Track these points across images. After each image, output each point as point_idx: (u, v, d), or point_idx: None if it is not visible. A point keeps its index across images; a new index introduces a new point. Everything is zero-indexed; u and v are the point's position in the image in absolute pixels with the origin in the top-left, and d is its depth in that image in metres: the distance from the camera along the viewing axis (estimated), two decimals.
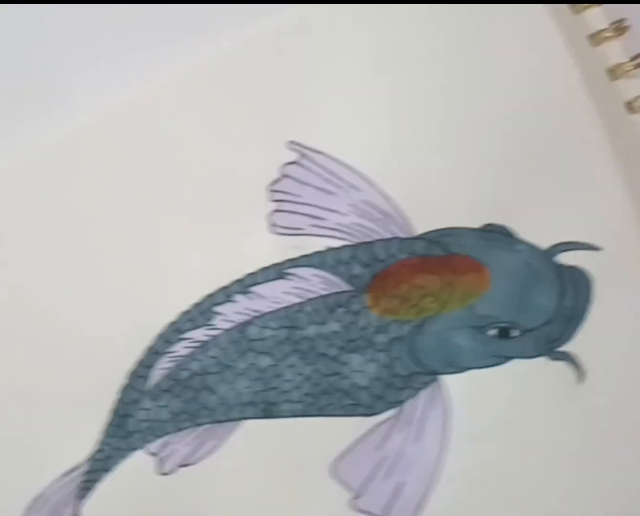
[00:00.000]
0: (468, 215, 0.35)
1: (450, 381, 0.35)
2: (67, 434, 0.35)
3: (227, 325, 0.35)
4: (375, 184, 0.35)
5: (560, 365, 0.35)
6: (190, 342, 0.35)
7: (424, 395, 0.35)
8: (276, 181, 0.35)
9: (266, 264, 0.35)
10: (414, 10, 0.35)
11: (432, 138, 0.35)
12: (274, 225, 0.35)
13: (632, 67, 0.34)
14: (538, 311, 0.35)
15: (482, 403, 0.35)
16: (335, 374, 0.35)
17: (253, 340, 0.35)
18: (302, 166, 0.35)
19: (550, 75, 0.35)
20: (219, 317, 0.35)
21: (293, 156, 0.35)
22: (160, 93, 0.36)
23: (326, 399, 0.35)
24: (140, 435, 0.35)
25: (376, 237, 0.35)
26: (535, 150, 0.35)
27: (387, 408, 0.35)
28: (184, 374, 0.35)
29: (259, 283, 0.35)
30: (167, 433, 0.35)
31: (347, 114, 0.35)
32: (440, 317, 0.35)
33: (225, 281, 0.35)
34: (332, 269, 0.35)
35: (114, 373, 0.35)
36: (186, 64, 0.35)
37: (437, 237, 0.35)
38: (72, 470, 0.35)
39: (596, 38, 0.35)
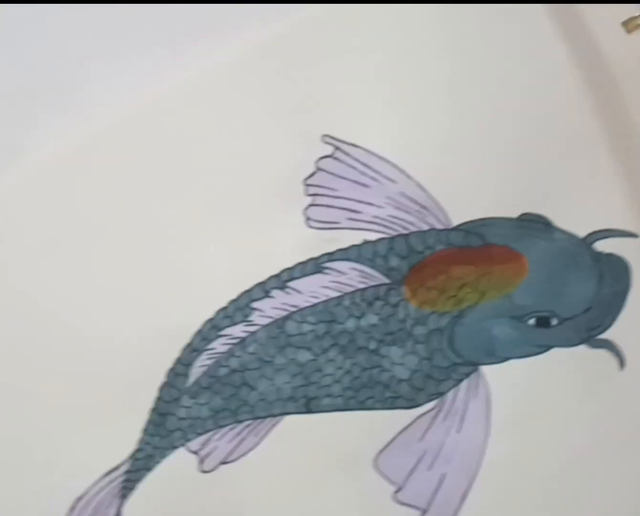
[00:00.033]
0: (504, 205, 0.35)
1: (490, 371, 0.35)
2: (108, 434, 0.35)
3: (265, 321, 0.35)
4: (411, 176, 0.35)
5: (601, 353, 0.35)
6: (228, 339, 0.35)
7: (464, 386, 0.35)
8: (311, 175, 0.35)
9: (303, 258, 0.35)
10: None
11: (467, 128, 0.35)
12: (309, 219, 0.35)
13: None
14: (577, 299, 0.35)
15: (523, 392, 0.35)
16: (375, 367, 0.35)
17: (292, 335, 0.35)
18: (337, 159, 0.35)
19: (586, 61, 0.35)
20: (256, 313, 0.35)
21: (328, 150, 0.35)
22: (190, 89, 0.36)
23: (366, 393, 0.35)
24: (180, 433, 0.35)
25: (413, 229, 0.35)
26: (570, 137, 0.35)
27: (427, 400, 0.35)
28: (223, 371, 0.35)
29: (296, 278, 0.35)
30: (208, 431, 0.35)
31: (380, 107, 0.35)
32: (478, 307, 0.35)
33: (261, 277, 0.35)
34: (370, 262, 0.35)
35: (154, 372, 0.35)
36: (217, 59, 0.36)
37: (474, 228, 0.35)
38: (113, 470, 0.35)
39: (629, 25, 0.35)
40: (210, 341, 0.35)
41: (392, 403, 0.35)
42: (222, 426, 0.35)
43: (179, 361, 0.35)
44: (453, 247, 0.35)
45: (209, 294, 0.35)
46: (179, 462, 0.35)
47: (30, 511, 0.34)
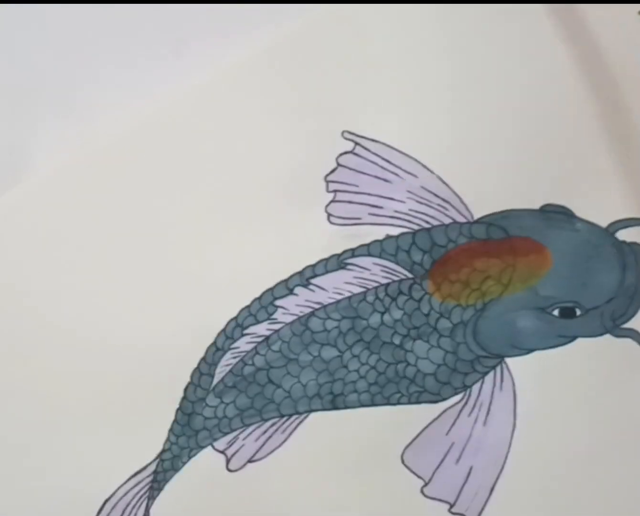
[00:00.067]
0: (525, 197, 0.35)
1: (516, 363, 0.35)
2: (134, 436, 0.35)
3: (289, 318, 0.35)
4: (433, 170, 0.35)
5: (626, 342, 0.35)
6: (253, 337, 0.35)
7: (490, 379, 0.35)
8: (332, 172, 0.35)
9: (325, 255, 0.35)
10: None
11: (487, 122, 0.35)
12: (331, 215, 0.35)
13: None
14: (601, 289, 0.34)
15: (549, 383, 0.34)
16: (401, 362, 0.35)
17: (316, 332, 0.35)
18: (357, 155, 0.35)
19: (609, 54, 0.35)
20: (280, 311, 0.35)
21: (348, 146, 0.35)
22: (209, 86, 0.36)
23: (392, 388, 0.35)
24: (207, 432, 0.35)
25: (435, 223, 0.35)
26: (591, 129, 0.35)
27: (453, 394, 0.35)
28: (249, 369, 0.35)
29: (319, 275, 0.35)
30: (234, 430, 0.35)
31: (401, 102, 0.36)
32: (502, 300, 0.35)
33: (284, 274, 0.35)
34: (392, 257, 0.35)
35: (179, 372, 0.35)
36: (240, 55, 0.36)
37: (496, 221, 0.35)
38: (141, 471, 0.35)
39: None
40: (234, 340, 0.35)
41: (417, 397, 0.35)
42: (248, 425, 0.35)
43: (203, 360, 0.35)
44: (475, 241, 0.35)
45: (232, 293, 0.35)
46: (206, 462, 0.35)
47: (59, 513, 0.34)
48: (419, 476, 0.35)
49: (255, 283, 0.35)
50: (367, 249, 0.35)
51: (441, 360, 0.35)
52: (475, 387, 0.35)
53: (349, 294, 0.35)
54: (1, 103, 0.37)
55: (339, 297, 0.35)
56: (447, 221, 0.35)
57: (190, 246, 0.36)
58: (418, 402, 0.35)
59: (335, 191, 0.35)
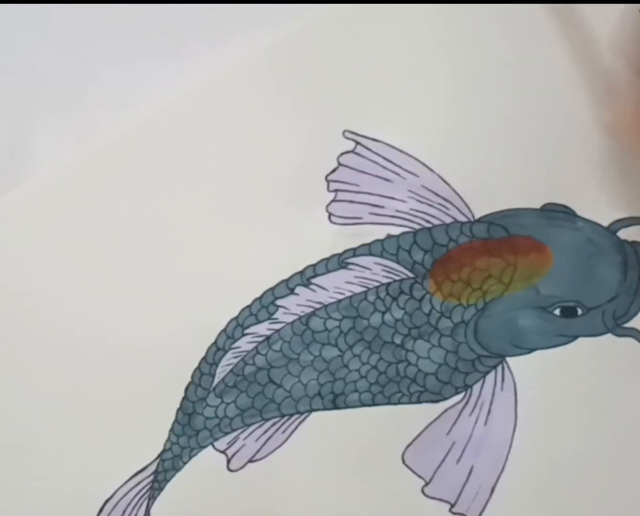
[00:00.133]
0: (526, 196, 0.35)
1: (517, 363, 0.35)
2: (135, 435, 0.35)
3: (290, 318, 0.35)
4: (433, 169, 0.35)
5: (627, 341, 0.34)
6: (253, 337, 0.35)
7: (491, 378, 0.35)
8: (333, 171, 0.35)
9: (326, 255, 0.35)
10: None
11: (488, 121, 0.35)
12: (332, 215, 0.35)
13: None
14: (602, 288, 0.34)
15: (550, 383, 0.34)
16: (401, 361, 0.35)
17: (317, 332, 0.35)
18: (358, 154, 0.35)
19: (609, 54, 0.35)
20: (281, 310, 0.35)
21: (349, 145, 0.35)
22: (209, 86, 0.36)
23: (393, 388, 0.35)
24: (207, 432, 0.35)
25: (436, 222, 0.35)
26: (592, 128, 0.35)
27: (454, 393, 0.35)
28: (250, 369, 0.35)
29: (319, 275, 0.35)
30: (235, 430, 0.35)
31: (402, 102, 0.36)
32: (503, 299, 0.35)
33: (285, 274, 0.35)
34: (393, 256, 0.35)
35: (179, 372, 0.35)
36: (240, 55, 0.36)
37: (497, 220, 0.35)
38: (141, 471, 0.35)
39: None
40: (235, 339, 0.35)
41: (418, 397, 0.35)
42: (248, 425, 0.35)
43: (204, 360, 0.35)
44: (477, 240, 0.35)
45: (232, 292, 0.35)
46: (206, 461, 0.35)
47: (59, 513, 0.34)
48: (419, 476, 0.34)
49: (256, 282, 0.35)
50: (368, 249, 0.35)
51: (442, 360, 0.35)
52: (476, 386, 0.35)
53: (350, 293, 0.35)
54: (1, 103, 0.37)
55: (340, 296, 0.35)
56: (448, 220, 0.35)
57: (190, 246, 0.35)
58: (419, 402, 0.35)
59: (336, 191, 0.35)
